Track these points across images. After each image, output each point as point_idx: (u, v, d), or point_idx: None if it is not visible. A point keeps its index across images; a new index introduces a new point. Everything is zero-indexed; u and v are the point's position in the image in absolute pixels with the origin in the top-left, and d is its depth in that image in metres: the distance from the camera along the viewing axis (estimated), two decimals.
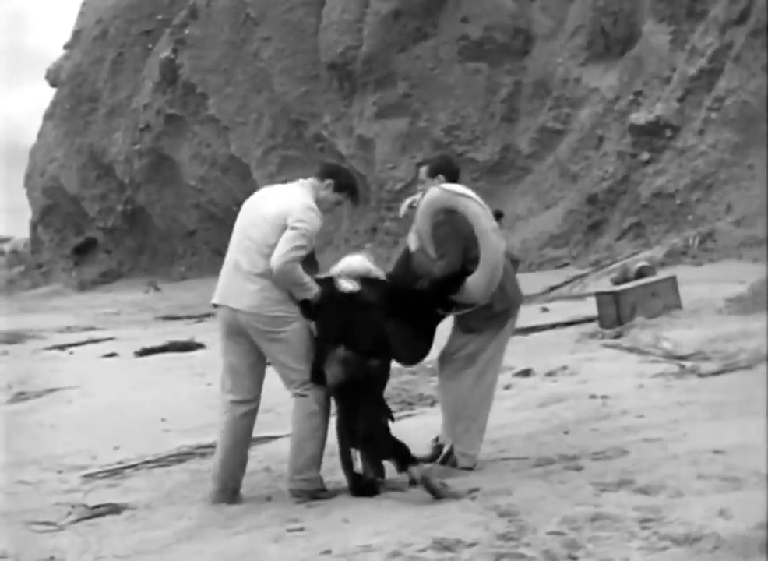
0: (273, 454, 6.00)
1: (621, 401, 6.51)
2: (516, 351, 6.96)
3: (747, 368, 7.07)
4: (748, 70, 18.66)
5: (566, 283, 17.07)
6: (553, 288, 16.56)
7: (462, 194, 5.05)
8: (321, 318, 4.96)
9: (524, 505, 4.18)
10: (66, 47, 40.99)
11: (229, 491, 5.06)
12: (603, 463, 4.83)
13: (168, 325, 20.92)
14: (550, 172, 24.07)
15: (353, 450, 4.93)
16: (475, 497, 4.46)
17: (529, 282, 11.41)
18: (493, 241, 4.98)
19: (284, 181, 5.30)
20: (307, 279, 4.88)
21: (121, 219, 37.66)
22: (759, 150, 17.79)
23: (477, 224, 4.97)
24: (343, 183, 5.18)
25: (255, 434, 5.23)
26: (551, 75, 24.89)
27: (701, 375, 7.11)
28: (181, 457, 6.44)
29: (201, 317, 20.88)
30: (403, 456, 4.66)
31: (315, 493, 4.89)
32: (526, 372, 8.30)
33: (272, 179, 23.69)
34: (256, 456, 5.78)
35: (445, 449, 5.22)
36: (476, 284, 5.01)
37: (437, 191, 5.10)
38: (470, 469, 5.10)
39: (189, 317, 22.03)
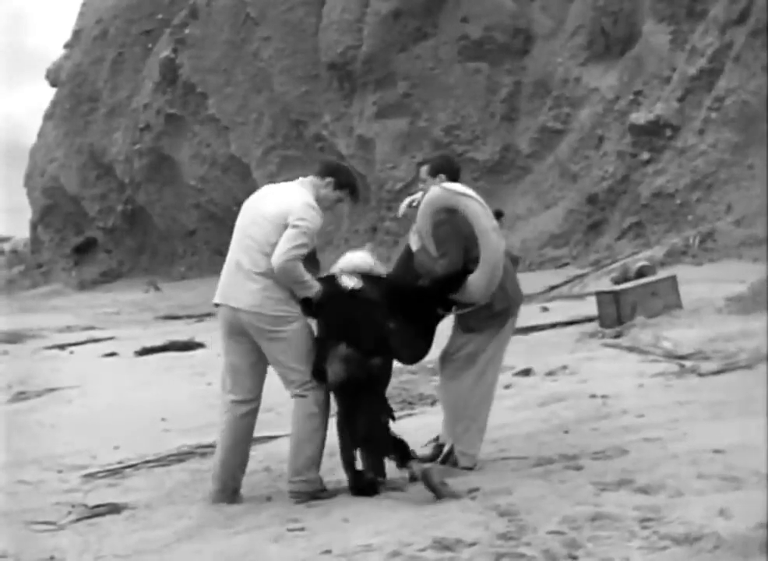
0: (273, 454, 6.00)
1: (621, 401, 6.51)
2: (516, 351, 6.95)
3: (747, 368, 7.07)
4: (748, 70, 18.66)
5: (566, 282, 17.08)
6: (553, 288, 16.56)
7: (462, 193, 5.06)
8: (323, 315, 4.96)
9: (524, 504, 4.18)
10: (66, 46, 41.01)
11: (229, 491, 5.06)
12: (603, 463, 4.83)
13: (168, 324, 20.92)
14: (550, 172, 24.07)
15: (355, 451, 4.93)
16: (475, 497, 4.46)
17: (529, 282, 11.42)
18: (493, 241, 4.98)
19: (284, 181, 5.30)
20: (308, 277, 4.88)
21: (121, 219, 37.68)
22: (759, 150, 17.79)
23: (477, 224, 4.98)
24: (344, 181, 5.17)
25: (256, 434, 5.22)
26: (551, 74, 24.89)
27: (701, 375, 7.11)
28: (181, 457, 6.44)
29: (201, 317, 20.89)
30: (402, 452, 4.66)
31: (314, 494, 4.88)
32: (527, 372, 8.30)
33: (272, 179, 23.65)
34: (256, 455, 5.77)
35: (446, 449, 5.22)
36: (476, 283, 5.01)
37: (438, 190, 5.11)
38: (470, 468, 5.10)
39: (189, 317, 22.03)
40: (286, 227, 4.85)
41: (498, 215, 5.30)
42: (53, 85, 41.45)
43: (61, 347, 16.14)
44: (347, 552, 3.86)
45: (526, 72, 25.75)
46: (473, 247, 5.01)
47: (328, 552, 3.90)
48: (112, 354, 14.34)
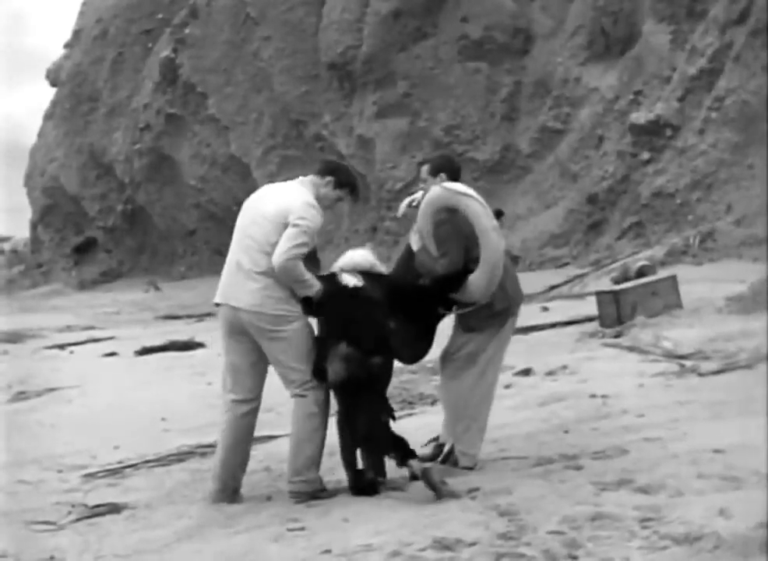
0: (274, 453, 6.00)
1: (621, 400, 6.51)
2: (516, 351, 6.95)
3: (747, 368, 7.07)
4: (748, 70, 18.66)
5: (566, 282, 17.08)
6: (553, 287, 16.56)
7: (463, 193, 5.06)
8: (323, 314, 4.95)
9: (524, 504, 4.18)
10: (66, 46, 41.01)
11: (229, 490, 5.06)
12: (603, 463, 4.83)
13: (168, 324, 20.92)
14: (550, 172, 24.07)
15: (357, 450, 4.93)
16: (475, 496, 4.46)
17: (529, 281, 11.41)
18: (493, 241, 4.98)
19: (285, 181, 5.29)
20: (308, 276, 4.88)
21: (121, 218, 37.69)
22: (759, 150, 17.79)
23: (477, 223, 4.98)
24: (344, 180, 5.17)
25: (256, 433, 5.22)
26: (551, 74, 24.89)
27: (701, 375, 7.11)
28: (181, 457, 6.44)
29: (201, 316, 20.89)
30: (403, 450, 4.66)
31: (314, 493, 4.88)
32: (527, 372, 8.30)
33: (272, 179, 23.64)
34: (256, 455, 5.77)
35: (446, 449, 5.22)
36: (476, 283, 5.01)
37: (438, 190, 5.11)
38: (470, 468, 5.10)
39: (189, 316, 22.03)
40: (286, 226, 4.85)
41: (499, 214, 5.30)
42: (53, 85, 41.46)
43: (61, 346, 16.14)
44: (347, 551, 3.86)
45: (526, 71, 25.75)
46: (474, 247, 5.02)
47: (328, 551, 3.90)
48: (112, 354, 14.34)
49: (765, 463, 4.28)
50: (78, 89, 38.33)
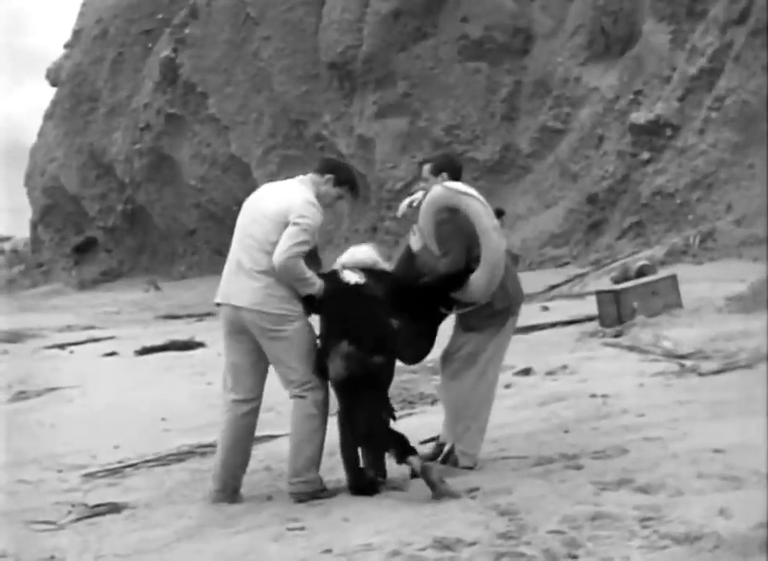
0: (274, 453, 6.00)
1: (621, 400, 6.50)
2: (516, 350, 6.95)
3: (747, 367, 7.07)
4: (748, 70, 18.66)
5: (567, 282, 17.08)
6: (553, 287, 16.56)
7: (464, 192, 5.06)
8: (325, 312, 4.94)
9: (524, 504, 4.18)
10: (66, 46, 41.00)
11: (229, 490, 5.06)
12: (603, 462, 4.83)
13: (168, 324, 20.92)
14: (550, 171, 24.07)
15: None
16: (475, 496, 4.46)
17: (529, 281, 11.40)
18: (494, 240, 4.98)
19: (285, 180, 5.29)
20: (310, 274, 4.87)
21: (122, 218, 37.68)
22: (759, 150, 17.78)
23: (478, 223, 4.98)
24: (343, 177, 5.17)
25: (256, 433, 5.21)
26: (551, 74, 24.89)
27: (701, 374, 7.11)
28: (181, 456, 6.44)
29: (201, 316, 20.90)
30: (402, 446, 4.65)
31: (314, 494, 4.88)
32: (527, 371, 8.30)
33: (272, 179, 23.48)
34: (257, 455, 5.77)
35: (446, 448, 5.22)
36: (477, 282, 5.01)
37: (440, 189, 5.11)
38: (470, 468, 5.10)
39: (189, 316, 22.04)
40: (286, 225, 4.84)
41: (500, 214, 5.30)
42: (53, 85, 41.46)
43: (62, 346, 16.15)
44: (347, 551, 3.86)
45: (526, 71, 25.75)
46: (475, 246, 5.02)
47: (328, 551, 3.90)
48: (112, 354, 14.34)
49: (765, 463, 4.28)
50: (78, 89, 38.32)
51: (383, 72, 26.91)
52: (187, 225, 35.14)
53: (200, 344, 14.00)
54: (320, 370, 4.87)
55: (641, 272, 12.33)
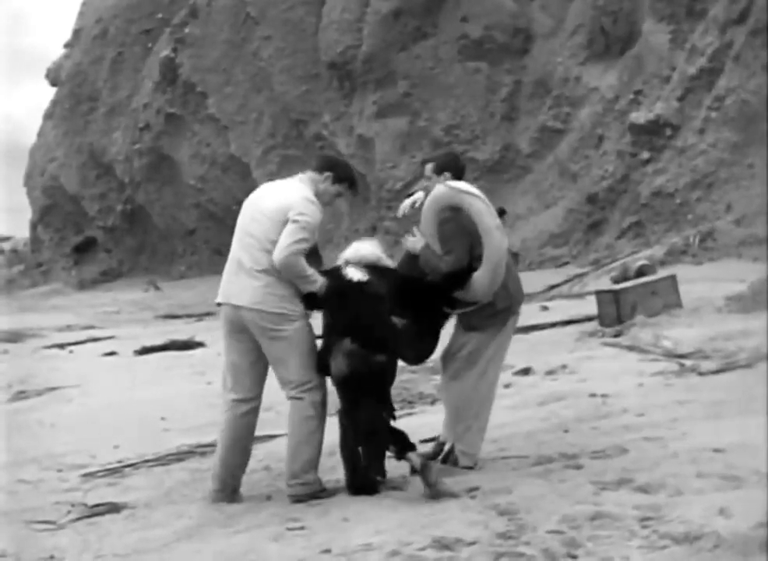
0: (273, 453, 5.99)
1: (621, 400, 6.50)
2: (516, 350, 6.94)
3: (747, 367, 7.07)
4: (748, 69, 18.66)
5: (566, 281, 17.08)
6: (553, 287, 16.57)
7: (467, 191, 5.05)
8: (327, 309, 4.92)
9: (524, 503, 4.18)
10: (66, 46, 41.00)
11: (229, 490, 5.05)
12: (603, 462, 4.83)
13: (168, 324, 20.92)
14: (550, 171, 24.07)
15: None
16: (475, 496, 4.45)
17: (529, 281, 11.38)
18: (496, 239, 4.98)
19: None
20: (310, 271, 4.86)
21: (121, 218, 37.68)
22: (758, 149, 17.79)
23: (480, 222, 4.98)
24: (342, 175, 5.17)
25: (256, 432, 5.21)
26: (551, 74, 24.89)
27: (701, 374, 7.11)
28: (180, 456, 6.44)
29: (201, 316, 20.91)
30: (401, 443, 4.64)
31: (313, 495, 4.87)
32: (526, 371, 8.30)
33: (272, 178, 23.36)
34: (256, 454, 5.76)
35: (446, 448, 5.22)
36: (479, 281, 5.01)
37: (442, 188, 5.11)
38: (470, 468, 5.09)
39: (189, 316, 22.05)
40: (286, 223, 4.84)
41: (501, 213, 5.30)
42: (53, 84, 41.45)
43: (61, 346, 16.15)
44: (346, 551, 3.86)
45: (526, 71, 25.75)
46: (478, 245, 5.01)
47: (328, 551, 3.90)
48: (112, 354, 14.35)
49: (765, 462, 4.28)
50: (78, 88, 38.32)
51: (383, 72, 26.91)
52: (186, 225, 35.14)
53: (200, 344, 14.00)
54: (321, 367, 4.86)
55: (641, 272, 12.33)
